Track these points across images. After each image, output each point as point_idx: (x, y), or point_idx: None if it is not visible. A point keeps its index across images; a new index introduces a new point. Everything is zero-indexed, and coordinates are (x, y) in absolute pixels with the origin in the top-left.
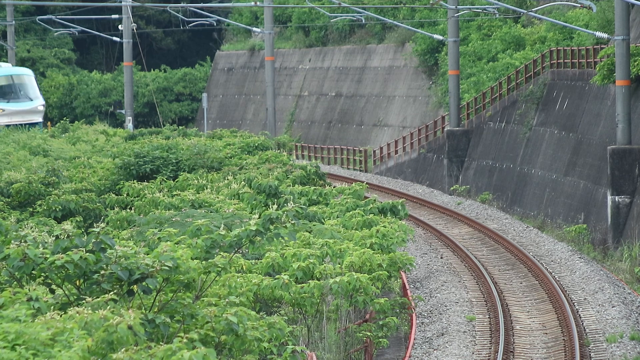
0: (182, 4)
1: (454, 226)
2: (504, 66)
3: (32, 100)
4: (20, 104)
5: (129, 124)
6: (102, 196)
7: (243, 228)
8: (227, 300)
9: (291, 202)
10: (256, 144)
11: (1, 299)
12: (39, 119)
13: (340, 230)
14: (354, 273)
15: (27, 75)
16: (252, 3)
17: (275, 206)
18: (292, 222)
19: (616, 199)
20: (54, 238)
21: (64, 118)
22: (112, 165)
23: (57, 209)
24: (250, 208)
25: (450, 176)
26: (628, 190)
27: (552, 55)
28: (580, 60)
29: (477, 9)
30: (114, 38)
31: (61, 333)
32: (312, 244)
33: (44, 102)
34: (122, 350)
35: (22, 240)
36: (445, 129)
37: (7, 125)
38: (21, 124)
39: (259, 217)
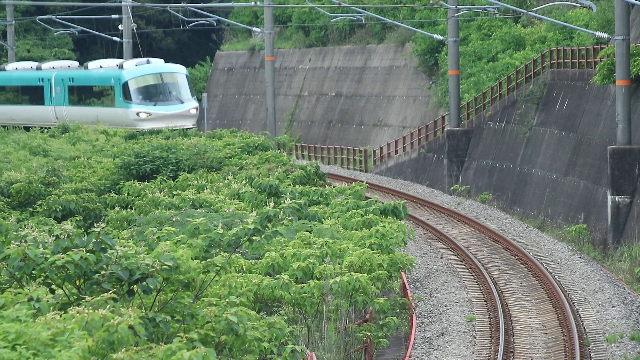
0: (182, 4)
1: (454, 226)
2: (504, 66)
3: (182, 102)
4: (169, 106)
5: None
6: (102, 196)
7: (241, 227)
8: (227, 300)
9: (288, 198)
10: (256, 144)
11: (2, 299)
12: (190, 124)
13: (340, 230)
14: (353, 273)
15: (179, 73)
16: (252, 3)
17: (272, 204)
18: (290, 218)
19: (616, 199)
20: (54, 238)
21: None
22: (112, 165)
23: (57, 209)
24: (250, 208)
25: (450, 176)
26: (628, 190)
27: (552, 55)
28: (580, 60)
29: (477, 9)
30: (114, 38)
31: (61, 333)
32: (312, 243)
33: (196, 105)
34: (122, 350)
35: (23, 240)
36: (445, 129)
37: (153, 132)
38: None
39: (257, 216)
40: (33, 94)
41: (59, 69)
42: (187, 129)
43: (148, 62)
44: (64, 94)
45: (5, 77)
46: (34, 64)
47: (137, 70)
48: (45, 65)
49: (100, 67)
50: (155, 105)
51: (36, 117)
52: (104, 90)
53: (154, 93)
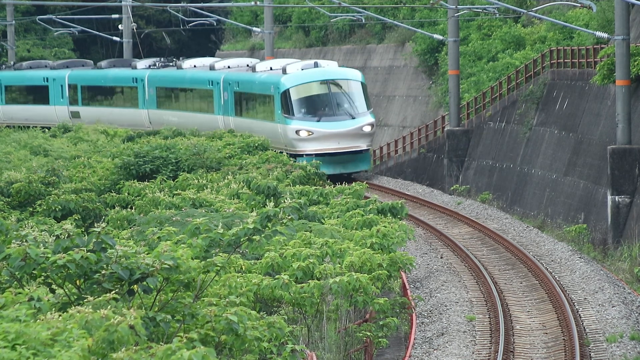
0: (182, 4)
1: (454, 226)
2: (504, 66)
3: (353, 118)
4: (335, 123)
5: None
6: (102, 196)
7: (241, 227)
8: (227, 300)
9: (288, 197)
10: (256, 144)
11: (2, 299)
12: (364, 145)
13: (340, 230)
14: (353, 273)
15: (351, 80)
16: (252, 3)
17: (272, 204)
18: (290, 217)
19: (616, 199)
20: (54, 238)
21: None
22: (112, 165)
23: (57, 209)
24: (249, 209)
25: (450, 176)
26: (628, 190)
27: (552, 55)
28: (580, 60)
29: (477, 9)
30: (114, 38)
31: (61, 333)
32: (312, 243)
33: (372, 120)
34: (122, 350)
35: (23, 240)
36: (445, 129)
37: (318, 155)
38: (338, 154)
39: (257, 215)
40: (204, 99)
41: (235, 68)
42: (359, 151)
43: (316, 65)
44: (231, 101)
45: (177, 77)
46: (211, 61)
47: (300, 76)
48: (219, 65)
49: (271, 69)
50: (318, 121)
51: (203, 128)
52: (266, 100)
53: (318, 105)
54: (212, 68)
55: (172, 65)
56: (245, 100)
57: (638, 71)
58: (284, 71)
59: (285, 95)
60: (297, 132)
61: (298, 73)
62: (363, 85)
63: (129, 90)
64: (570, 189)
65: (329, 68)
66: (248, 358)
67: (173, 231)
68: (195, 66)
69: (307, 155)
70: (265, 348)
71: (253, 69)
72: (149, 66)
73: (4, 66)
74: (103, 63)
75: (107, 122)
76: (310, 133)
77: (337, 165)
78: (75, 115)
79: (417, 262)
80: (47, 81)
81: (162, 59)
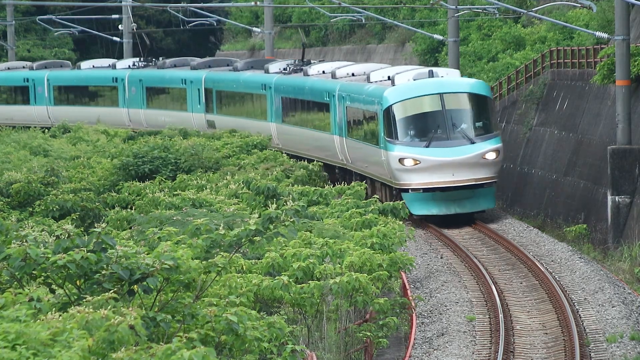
0: (182, 4)
1: (454, 226)
2: (504, 66)
3: (473, 142)
4: (449, 149)
5: None
6: (102, 196)
7: (242, 228)
8: (227, 300)
9: (290, 200)
10: (254, 143)
11: (2, 299)
12: (487, 174)
13: (339, 229)
14: (353, 273)
15: (475, 93)
16: (252, 3)
17: (274, 205)
18: (292, 219)
19: (616, 199)
20: (54, 238)
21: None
22: (111, 166)
23: (55, 209)
24: (250, 209)
25: None
26: (628, 190)
27: (552, 55)
28: (580, 60)
29: (477, 9)
30: (114, 38)
31: (61, 333)
32: (312, 243)
33: (498, 146)
34: (122, 350)
35: (24, 240)
36: None
37: (427, 190)
38: (452, 189)
39: (259, 217)
40: (322, 114)
41: (358, 76)
42: (479, 185)
43: (430, 74)
44: (344, 118)
45: (299, 86)
46: (334, 67)
47: (408, 88)
48: (341, 71)
49: (388, 78)
50: (427, 147)
51: (322, 151)
52: (372, 119)
53: (429, 126)
54: (333, 76)
55: (301, 70)
56: (356, 117)
57: (638, 71)
58: (393, 82)
59: (389, 112)
60: (400, 160)
61: (406, 85)
62: (488, 100)
63: (259, 98)
64: (570, 189)
65: (446, 78)
66: (248, 358)
67: (173, 231)
68: (324, 72)
69: (412, 190)
70: (265, 348)
71: (367, 77)
72: (281, 70)
73: (151, 64)
74: (239, 64)
75: None
76: (417, 162)
77: (450, 204)
78: (211, 124)
79: (417, 262)
80: (185, 83)
81: (295, 61)
